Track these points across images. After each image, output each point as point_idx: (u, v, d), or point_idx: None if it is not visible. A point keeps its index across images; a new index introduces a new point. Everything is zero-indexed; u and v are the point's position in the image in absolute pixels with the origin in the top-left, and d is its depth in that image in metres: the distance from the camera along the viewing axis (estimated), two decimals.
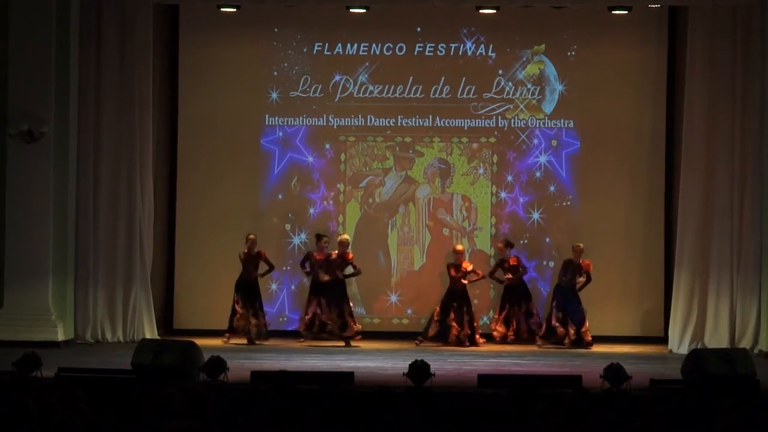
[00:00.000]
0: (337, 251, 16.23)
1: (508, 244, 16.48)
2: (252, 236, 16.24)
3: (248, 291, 16.15)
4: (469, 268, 16.32)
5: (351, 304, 16.22)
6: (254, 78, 17.17)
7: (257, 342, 16.00)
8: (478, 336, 16.19)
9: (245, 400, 8.94)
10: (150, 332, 16.03)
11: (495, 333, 16.32)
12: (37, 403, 7.12)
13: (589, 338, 16.09)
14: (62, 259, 15.46)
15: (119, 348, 15.27)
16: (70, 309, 15.62)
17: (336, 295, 16.10)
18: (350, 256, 16.27)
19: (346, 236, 16.45)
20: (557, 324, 16.08)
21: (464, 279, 16.26)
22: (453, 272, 16.26)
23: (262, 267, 16.32)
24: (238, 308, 16.07)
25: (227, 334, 16.02)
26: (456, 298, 16.21)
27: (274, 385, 9.15)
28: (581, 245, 16.28)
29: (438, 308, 16.26)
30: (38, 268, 15.25)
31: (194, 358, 11.92)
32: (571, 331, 16.02)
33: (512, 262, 16.43)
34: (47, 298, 15.29)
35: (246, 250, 16.20)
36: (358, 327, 16.12)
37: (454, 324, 16.08)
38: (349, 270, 16.29)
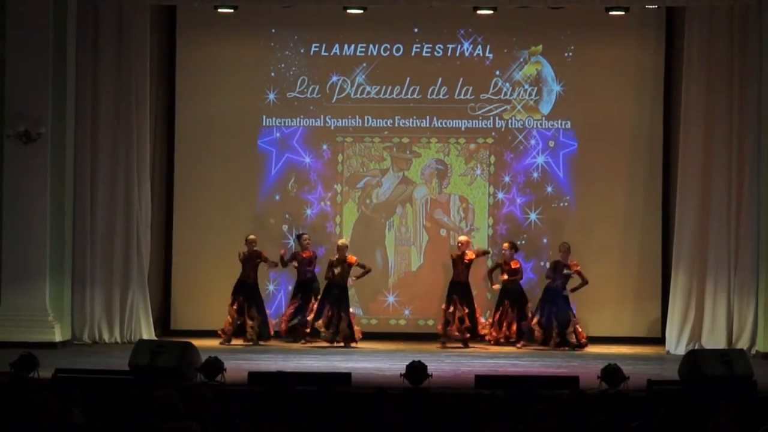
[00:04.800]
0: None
1: (513, 247, 16.35)
2: (251, 237, 16.20)
3: (247, 293, 16.10)
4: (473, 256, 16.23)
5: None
6: (251, 78, 17.16)
7: (261, 343, 15.93)
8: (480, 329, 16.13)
9: (242, 401, 8.94)
10: (147, 333, 16.01)
11: (488, 337, 16.22)
12: (34, 404, 7.11)
13: (584, 338, 15.98)
14: (59, 259, 15.44)
15: (116, 349, 15.26)
16: (67, 310, 15.61)
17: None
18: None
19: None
20: (536, 326, 15.95)
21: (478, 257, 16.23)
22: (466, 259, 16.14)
23: (262, 268, 16.28)
24: (232, 311, 15.98)
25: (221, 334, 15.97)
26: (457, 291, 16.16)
27: (272, 385, 9.15)
28: (568, 243, 16.23)
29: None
30: (35, 269, 15.23)
31: (191, 358, 11.92)
32: (554, 333, 15.87)
33: (514, 265, 16.30)
34: (44, 299, 15.27)
35: (245, 251, 16.16)
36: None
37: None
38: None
